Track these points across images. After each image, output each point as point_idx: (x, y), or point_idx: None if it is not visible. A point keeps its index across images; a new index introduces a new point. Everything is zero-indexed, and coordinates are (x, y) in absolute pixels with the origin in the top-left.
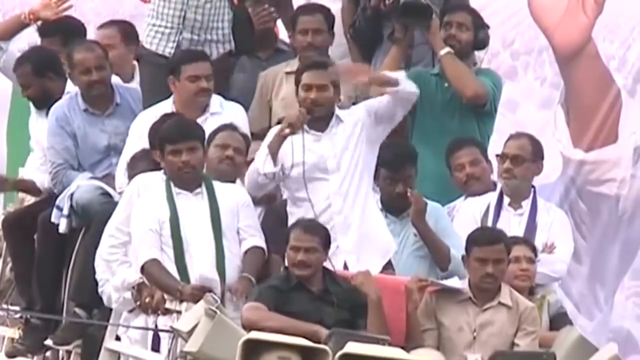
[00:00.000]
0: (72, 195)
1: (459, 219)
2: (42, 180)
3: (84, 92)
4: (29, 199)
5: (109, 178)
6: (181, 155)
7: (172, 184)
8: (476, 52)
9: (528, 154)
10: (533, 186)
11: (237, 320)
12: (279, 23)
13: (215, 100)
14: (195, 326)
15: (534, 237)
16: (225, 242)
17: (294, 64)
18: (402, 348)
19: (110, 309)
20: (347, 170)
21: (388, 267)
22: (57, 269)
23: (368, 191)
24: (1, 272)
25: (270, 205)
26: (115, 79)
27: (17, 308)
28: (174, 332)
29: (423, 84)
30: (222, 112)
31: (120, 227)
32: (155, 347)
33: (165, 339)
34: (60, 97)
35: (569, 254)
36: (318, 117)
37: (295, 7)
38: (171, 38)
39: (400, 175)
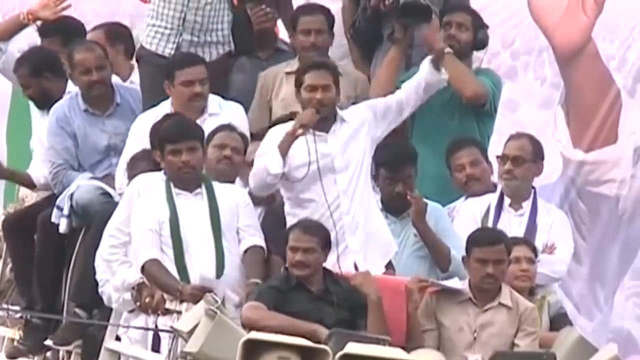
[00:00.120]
0: (72, 195)
1: (459, 220)
2: (39, 176)
3: (84, 92)
4: (29, 199)
5: (109, 178)
6: (181, 155)
7: (171, 185)
8: (475, 52)
9: (528, 155)
10: (533, 187)
11: (237, 321)
12: (279, 23)
13: (214, 100)
14: (196, 326)
15: (534, 237)
16: (224, 243)
17: (294, 64)
18: (403, 348)
19: (111, 309)
20: (355, 170)
21: (388, 267)
22: (57, 268)
23: (370, 191)
24: (1, 273)
25: (270, 205)
26: (115, 79)
27: (17, 308)
28: (174, 333)
29: None
30: (220, 113)
31: (120, 227)
32: (156, 348)
33: (165, 339)
34: (61, 97)
35: (569, 255)
36: (322, 117)
37: (295, 7)
38: (171, 39)
39: (399, 175)
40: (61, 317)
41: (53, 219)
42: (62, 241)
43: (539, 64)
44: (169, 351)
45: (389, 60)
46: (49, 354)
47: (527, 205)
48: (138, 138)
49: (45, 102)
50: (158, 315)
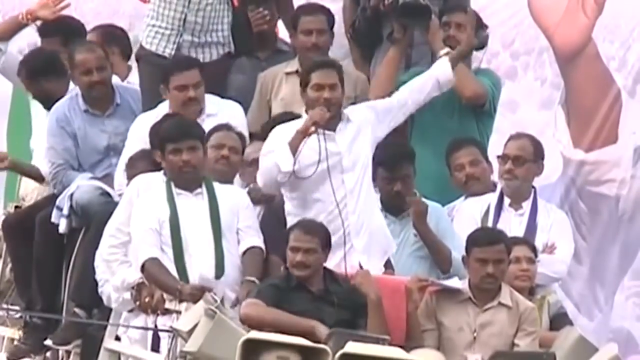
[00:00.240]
0: (72, 195)
1: (458, 220)
2: (46, 170)
3: (84, 92)
4: (30, 198)
5: (109, 178)
6: (182, 154)
7: (172, 184)
8: (475, 52)
9: (529, 155)
10: (534, 187)
11: (237, 320)
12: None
13: (211, 101)
14: (195, 326)
15: (534, 237)
16: (224, 243)
17: (293, 64)
18: (402, 348)
19: (110, 309)
20: (361, 170)
21: (387, 267)
22: (56, 268)
23: (372, 191)
24: (1, 273)
25: (269, 205)
26: (115, 79)
27: (17, 308)
28: (174, 332)
29: None
30: (217, 114)
31: (120, 228)
32: (155, 347)
33: (165, 338)
34: (63, 97)
35: (569, 255)
36: (330, 116)
37: (295, 6)
38: (171, 39)
39: (397, 174)
40: (61, 317)
41: (53, 219)
42: (61, 241)
43: (539, 64)
44: (169, 351)
45: (389, 60)
46: (48, 353)
47: (527, 205)
48: (138, 139)
49: (49, 103)
50: (157, 315)
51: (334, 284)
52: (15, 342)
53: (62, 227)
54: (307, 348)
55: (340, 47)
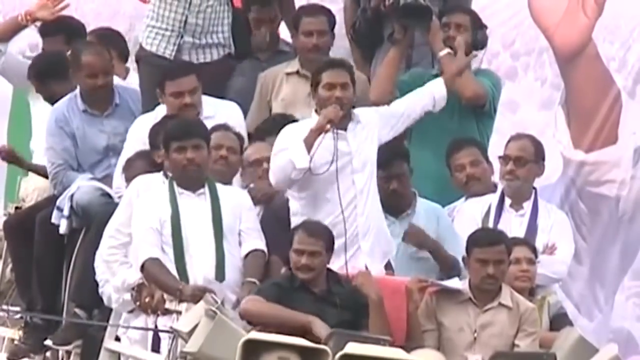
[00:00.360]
0: (72, 196)
1: (459, 220)
2: None
3: (87, 94)
4: (30, 199)
5: (109, 179)
6: (186, 152)
7: (174, 184)
8: (475, 52)
9: (530, 155)
10: (534, 188)
11: (237, 321)
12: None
13: (208, 103)
14: (195, 327)
15: (534, 238)
16: (225, 244)
17: (294, 65)
18: (403, 348)
19: (111, 310)
20: (369, 171)
21: (387, 267)
22: (56, 268)
23: (377, 192)
24: (1, 274)
25: (269, 205)
26: (115, 79)
27: (17, 309)
28: (174, 333)
29: (422, 84)
30: (215, 116)
31: (120, 229)
32: (155, 348)
33: (165, 339)
34: None
35: (569, 256)
36: (342, 116)
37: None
38: (172, 40)
39: (392, 173)
40: (61, 318)
41: (53, 220)
42: (62, 241)
43: (539, 65)
44: (169, 351)
45: (389, 61)
46: (48, 354)
47: (527, 205)
48: (137, 140)
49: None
50: (158, 315)
51: (337, 285)
52: (16, 342)
53: (63, 228)
54: (307, 349)
55: (339, 48)
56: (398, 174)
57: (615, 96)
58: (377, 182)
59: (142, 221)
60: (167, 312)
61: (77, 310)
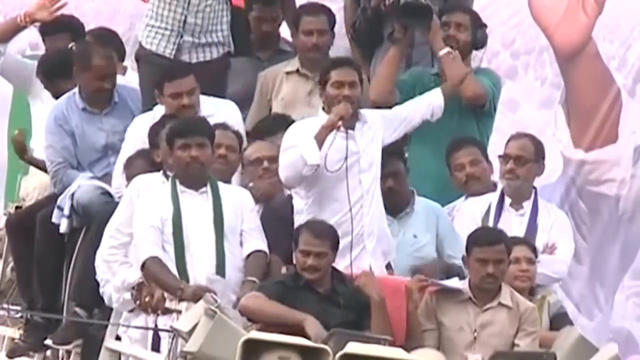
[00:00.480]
0: (72, 195)
1: (459, 219)
2: None
3: (89, 93)
4: (30, 198)
5: (109, 178)
6: (190, 149)
7: (177, 182)
8: (475, 52)
9: (530, 154)
10: (534, 187)
11: (237, 320)
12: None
13: (207, 102)
14: (195, 326)
15: (534, 237)
16: (226, 244)
17: (294, 64)
18: (403, 348)
19: (111, 309)
20: (375, 171)
21: (388, 267)
22: (56, 266)
23: (380, 193)
24: (1, 273)
25: (268, 204)
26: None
27: (18, 308)
28: (174, 332)
29: (422, 83)
30: (213, 115)
31: (120, 228)
32: (156, 347)
33: (165, 338)
34: None
35: (569, 255)
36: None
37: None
38: (171, 40)
39: (388, 170)
40: (61, 317)
41: (54, 219)
42: (62, 239)
43: (539, 64)
44: (169, 351)
45: (389, 60)
46: (48, 353)
47: (527, 205)
48: (135, 139)
49: None
50: (158, 314)
51: (341, 285)
52: (16, 341)
53: (63, 227)
54: (307, 348)
55: (339, 47)
56: (394, 172)
57: (615, 95)
58: None
59: (143, 219)
60: (167, 311)
61: (77, 309)
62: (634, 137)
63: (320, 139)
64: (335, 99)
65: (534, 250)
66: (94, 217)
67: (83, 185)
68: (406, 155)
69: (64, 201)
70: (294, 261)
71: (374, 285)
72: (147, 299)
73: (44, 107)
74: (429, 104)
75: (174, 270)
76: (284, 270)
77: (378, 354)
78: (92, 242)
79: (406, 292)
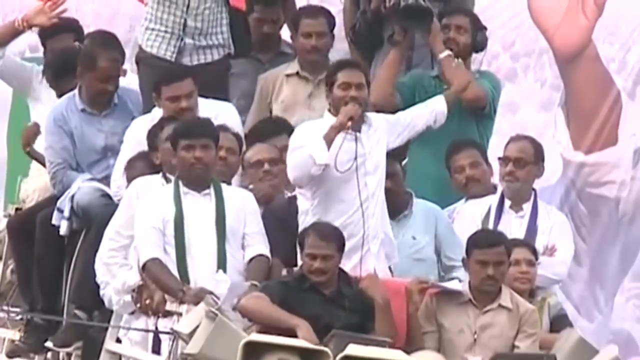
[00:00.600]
0: (72, 197)
1: (459, 222)
2: None
3: (93, 95)
4: (30, 200)
5: (109, 180)
6: (195, 150)
7: (180, 183)
8: (475, 54)
9: (530, 157)
10: (534, 189)
11: (238, 323)
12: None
13: (205, 104)
14: (196, 328)
15: (534, 239)
16: (227, 247)
17: (294, 66)
18: (403, 350)
19: (111, 311)
20: (380, 174)
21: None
22: (56, 267)
23: (384, 196)
24: (1, 275)
25: (268, 205)
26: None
27: (17, 310)
28: (175, 334)
29: (422, 86)
30: (212, 118)
31: (119, 231)
32: (156, 349)
33: (165, 341)
34: None
35: (569, 257)
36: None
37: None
38: (172, 42)
39: (385, 171)
40: (62, 319)
41: (54, 221)
42: (62, 241)
43: (539, 66)
44: (170, 353)
45: (389, 62)
46: (49, 355)
47: (527, 207)
48: (134, 142)
49: None
50: (158, 317)
51: (347, 286)
52: (16, 342)
53: (63, 229)
54: (308, 350)
55: (339, 50)
56: (391, 173)
57: (615, 97)
58: None
59: (145, 220)
60: (167, 313)
61: (77, 311)
62: (634, 139)
63: (329, 140)
64: (342, 101)
65: (534, 252)
66: (94, 219)
67: (83, 187)
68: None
69: (64, 203)
70: (297, 264)
71: (378, 288)
72: (147, 302)
73: (45, 109)
74: (432, 110)
75: (175, 272)
76: (284, 273)
77: (378, 356)
78: (91, 245)
79: (406, 294)
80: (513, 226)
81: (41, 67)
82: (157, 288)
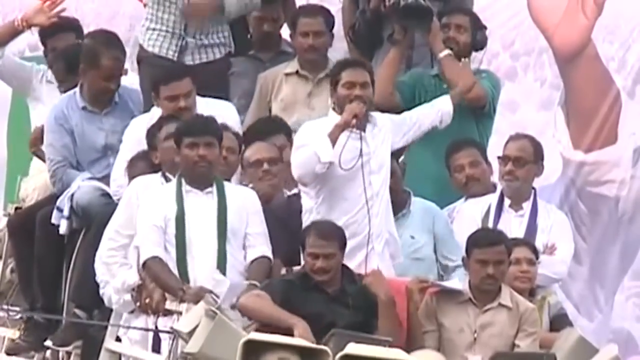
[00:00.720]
0: (72, 196)
1: (459, 221)
2: None
3: (95, 93)
4: (30, 199)
5: (109, 179)
6: (198, 148)
7: (183, 181)
8: (474, 53)
9: (530, 156)
10: (534, 188)
11: (237, 322)
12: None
13: (202, 104)
14: (196, 327)
15: (534, 238)
16: (228, 247)
17: (293, 65)
18: (403, 349)
19: (111, 310)
20: (384, 174)
21: None
22: (56, 266)
23: (389, 195)
24: (1, 274)
25: (268, 205)
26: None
27: (17, 309)
28: (175, 333)
29: (422, 85)
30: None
31: (119, 230)
32: (156, 348)
33: (165, 340)
34: None
35: (569, 256)
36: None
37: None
38: (173, 41)
39: None
40: (61, 318)
41: (53, 220)
42: (62, 239)
43: (539, 65)
44: (169, 352)
45: (389, 61)
46: (48, 353)
47: (527, 206)
48: (133, 141)
49: None
50: (158, 316)
51: (351, 284)
52: (16, 340)
53: (63, 229)
54: (307, 349)
55: (339, 49)
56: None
57: (614, 96)
58: None
59: (146, 218)
60: (167, 312)
61: (77, 310)
62: (634, 138)
63: (333, 138)
64: (346, 99)
65: (535, 251)
66: (94, 219)
67: (82, 186)
68: (402, 157)
69: (64, 202)
70: (299, 263)
71: (382, 285)
72: (147, 301)
73: (45, 109)
74: (438, 110)
75: (175, 271)
76: (283, 272)
77: (378, 355)
78: (91, 244)
79: (407, 293)
80: (513, 225)
81: (41, 67)
82: (156, 287)
